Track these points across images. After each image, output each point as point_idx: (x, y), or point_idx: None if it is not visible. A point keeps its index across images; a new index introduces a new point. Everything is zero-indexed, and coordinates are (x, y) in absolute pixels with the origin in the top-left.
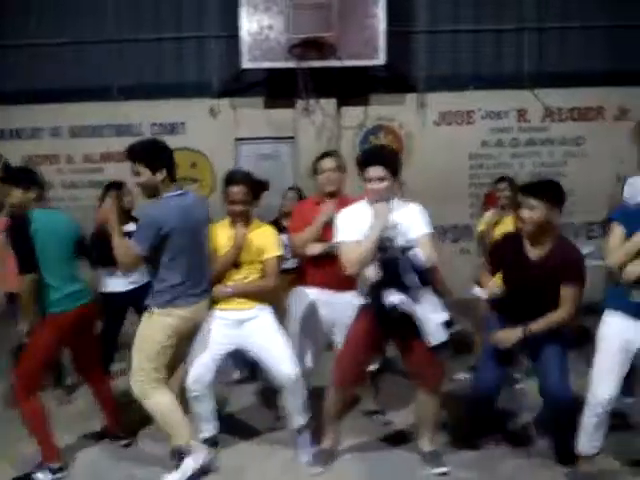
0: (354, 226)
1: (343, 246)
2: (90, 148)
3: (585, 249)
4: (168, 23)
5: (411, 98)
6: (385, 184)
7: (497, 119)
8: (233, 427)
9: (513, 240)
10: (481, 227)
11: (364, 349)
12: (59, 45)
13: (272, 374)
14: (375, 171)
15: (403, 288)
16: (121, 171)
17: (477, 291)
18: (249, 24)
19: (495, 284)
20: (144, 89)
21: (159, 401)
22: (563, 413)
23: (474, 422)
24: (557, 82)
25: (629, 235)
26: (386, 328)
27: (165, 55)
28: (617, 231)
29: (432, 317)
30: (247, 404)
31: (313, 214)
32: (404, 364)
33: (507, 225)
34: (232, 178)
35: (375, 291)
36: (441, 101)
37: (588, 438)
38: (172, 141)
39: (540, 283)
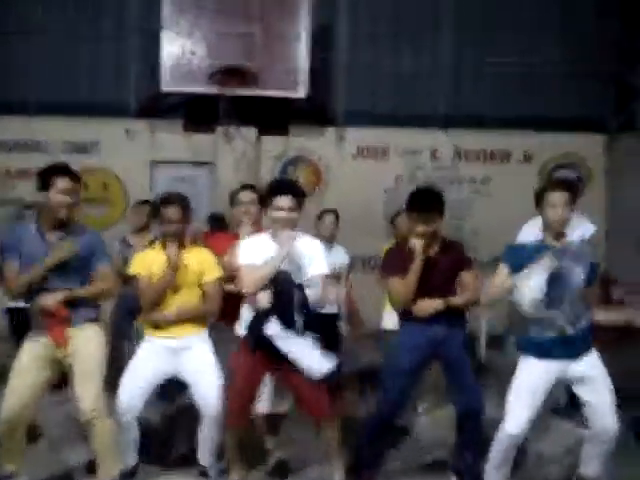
0: (256, 252)
1: (243, 268)
2: None
3: None
4: (86, 40)
5: (331, 131)
6: (294, 214)
7: (411, 156)
8: (145, 455)
9: (402, 247)
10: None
11: (250, 385)
12: None
13: (198, 404)
14: (285, 200)
15: (289, 323)
16: (27, 189)
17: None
18: (171, 47)
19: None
20: (57, 106)
21: (111, 422)
22: (476, 426)
23: (373, 445)
24: (468, 124)
25: (517, 270)
26: (265, 359)
27: (82, 72)
28: (501, 271)
29: (310, 352)
30: (159, 431)
31: (230, 246)
32: (293, 397)
33: None
34: (167, 199)
35: (259, 319)
36: (359, 136)
37: (496, 471)
38: (85, 161)
39: (442, 274)
